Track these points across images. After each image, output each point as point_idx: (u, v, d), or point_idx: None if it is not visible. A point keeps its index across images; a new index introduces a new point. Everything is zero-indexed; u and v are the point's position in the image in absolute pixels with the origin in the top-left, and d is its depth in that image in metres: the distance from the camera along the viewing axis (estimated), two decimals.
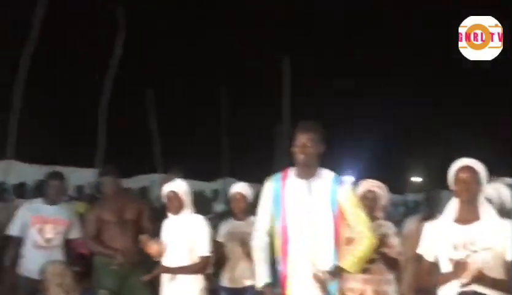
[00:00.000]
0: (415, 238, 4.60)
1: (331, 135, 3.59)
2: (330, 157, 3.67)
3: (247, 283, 4.55)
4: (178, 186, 4.27)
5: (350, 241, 4.12)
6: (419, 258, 3.46)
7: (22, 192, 9.21)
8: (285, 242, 3.33)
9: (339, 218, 3.35)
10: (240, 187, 4.80)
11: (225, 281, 4.69)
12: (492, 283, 3.07)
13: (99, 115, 13.34)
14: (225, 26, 18.34)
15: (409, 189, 18.17)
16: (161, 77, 16.81)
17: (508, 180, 4.23)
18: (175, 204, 4.19)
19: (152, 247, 4.22)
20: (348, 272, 3.33)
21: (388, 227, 4.29)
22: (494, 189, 3.54)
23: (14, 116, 11.41)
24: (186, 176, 5.60)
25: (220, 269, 4.73)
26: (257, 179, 5.02)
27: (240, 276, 4.58)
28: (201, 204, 5.54)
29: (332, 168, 3.49)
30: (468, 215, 3.24)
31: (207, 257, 4.19)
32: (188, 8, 18.69)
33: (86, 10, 15.43)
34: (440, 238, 3.29)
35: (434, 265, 3.34)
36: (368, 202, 4.29)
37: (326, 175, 3.41)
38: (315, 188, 3.36)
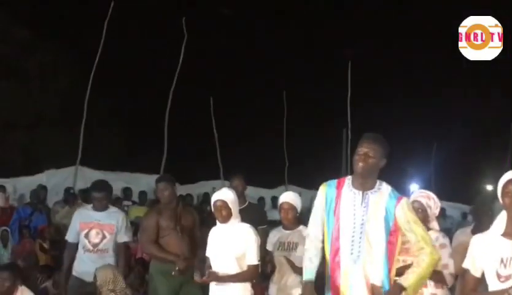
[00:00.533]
0: (466, 251, 4.46)
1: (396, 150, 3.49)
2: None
3: (295, 293, 4.53)
4: (226, 195, 4.31)
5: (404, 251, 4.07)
6: (465, 272, 3.33)
7: (87, 196, 9.59)
8: (336, 253, 3.28)
9: (394, 233, 3.27)
10: (288, 196, 4.79)
11: (273, 290, 4.70)
12: None
13: (164, 122, 13.65)
14: (287, 26, 18.26)
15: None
16: (222, 84, 17.06)
17: None
18: (223, 213, 4.24)
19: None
20: (407, 291, 3.19)
21: (436, 238, 4.13)
22: None
23: (82, 123, 11.86)
24: (247, 182, 5.66)
25: (269, 278, 4.74)
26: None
27: (288, 286, 4.57)
28: (256, 213, 5.54)
29: (396, 177, 3.42)
30: None
31: (256, 266, 4.22)
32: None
33: (151, 19, 15.93)
34: (487, 252, 3.18)
35: (480, 281, 3.21)
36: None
37: (383, 188, 3.34)
38: (371, 201, 3.28)
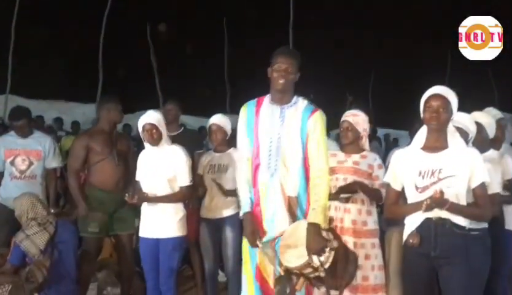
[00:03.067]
0: None
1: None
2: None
3: (226, 213, 4.58)
4: (154, 117, 4.21)
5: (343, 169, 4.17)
6: (387, 186, 3.43)
7: None
8: (256, 168, 3.31)
9: (307, 145, 3.29)
10: (216, 118, 4.73)
11: (204, 212, 4.72)
12: (457, 209, 3.07)
13: (99, 49, 13.17)
14: None
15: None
16: (160, 9, 16.45)
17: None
18: (154, 136, 4.16)
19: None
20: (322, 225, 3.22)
21: (373, 159, 4.23)
22: (462, 118, 3.45)
23: (9, 51, 11.30)
24: (187, 111, 5.54)
25: (200, 201, 4.74)
26: None
27: (219, 207, 4.60)
28: (191, 138, 5.49)
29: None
30: (436, 143, 3.21)
31: (188, 187, 4.20)
32: None
33: None
34: (407, 166, 3.26)
35: (401, 195, 3.33)
36: (343, 132, 4.25)
37: (300, 102, 3.35)
38: (287, 115, 3.30)
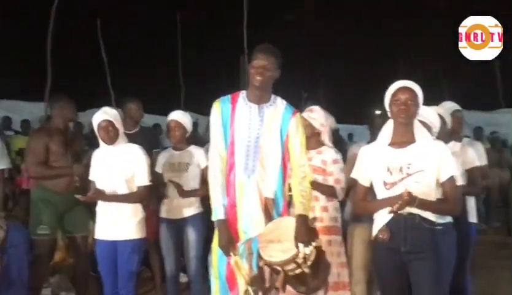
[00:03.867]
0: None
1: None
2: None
3: (187, 213, 4.44)
4: (111, 113, 4.04)
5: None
6: (355, 183, 3.38)
7: None
8: (231, 168, 3.20)
9: (287, 147, 3.24)
10: (175, 114, 4.57)
11: (164, 212, 4.55)
12: (426, 205, 3.05)
13: (47, 47, 12.73)
14: None
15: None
16: (110, 4, 16.01)
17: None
18: (110, 133, 3.97)
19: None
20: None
21: (328, 155, 4.18)
22: (426, 112, 3.44)
23: None
24: (144, 110, 5.39)
25: (160, 201, 4.59)
26: None
27: (180, 206, 4.44)
28: (148, 137, 5.34)
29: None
30: (403, 138, 3.18)
31: (146, 187, 4.03)
32: None
33: None
34: (374, 162, 3.22)
35: (369, 190, 3.29)
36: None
37: (278, 102, 3.28)
38: (266, 114, 3.22)
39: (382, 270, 3.26)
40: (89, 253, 4.70)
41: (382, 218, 3.16)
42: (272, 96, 3.27)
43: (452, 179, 3.11)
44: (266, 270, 3.13)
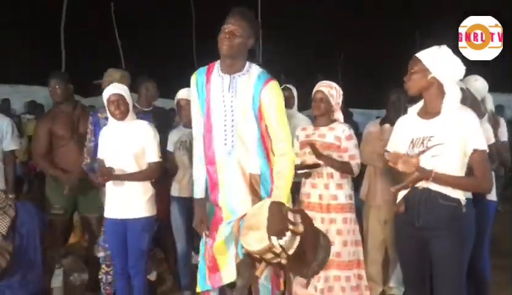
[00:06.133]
0: (375, 140, 4.48)
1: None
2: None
3: None
4: (121, 88, 3.94)
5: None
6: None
7: None
8: (209, 144, 3.00)
9: (261, 120, 2.95)
10: (184, 93, 4.49)
11: (175, 190, 4.49)
12: (443, 180, 2.91)
13: (60, 31, 12.76)
14: None
15: None
16: None
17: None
18: (121, 108, 3.86)
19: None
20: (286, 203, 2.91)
21: (341, 131, 4.09)
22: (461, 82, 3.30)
23: None
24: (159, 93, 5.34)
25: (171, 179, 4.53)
26: None
27: (191, 184, 4.33)
28: (162, 116, 5.27)
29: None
30: (430, 108, 3.02)
31: (156, 163, 3.94)
32: None
33: None
34: (403, 133, 3.09)
35: None
36: (316, 103, 4.11)
37: (253, 70, 2.97)
38: (239, 85, 2.94)
39: (402, 245, 3.17)
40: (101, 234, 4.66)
41: (403, 191, 3.05)
42: (247, 65, 2.98)
43: (480, 153, 2.91)
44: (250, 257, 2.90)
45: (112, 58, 14.33)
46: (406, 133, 3.08)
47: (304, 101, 5.50)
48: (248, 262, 2.90)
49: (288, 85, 5.46)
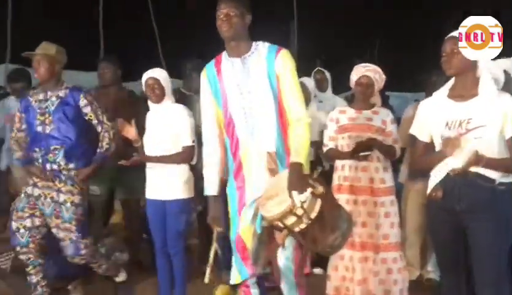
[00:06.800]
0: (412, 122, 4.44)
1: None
2: None
3: None
4: (158, 73, 4.05)
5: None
6: (414, 140, 3.22)
7: None
8: (232, 132, 3.01)
9: (280, 91, 2.95)
10: None
11: None
12: (493, 165, 2.84)
13: (99, 18, 12.96)
14: None
15: None
16: None
17: None
18: (156, 92, 3.98)
19: (129, 131, 4.04)
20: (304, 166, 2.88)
21: (385, 115, 4.09)
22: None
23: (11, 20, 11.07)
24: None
25: None
26: None
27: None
28: None
29: None
30: (464, 90, 2.96)
31: (190, 147, 4.01)
32: None
33: None
34: (433, 115, 3.02)
35: (430, 147, 3.09)
36: (363, 88, 4.08)
37: (260, 47, 2.99)
38: (251, 64, 2.96)
39: (437, 231, 3.11)
40: (141, 215, 4.75)
41: (436, 175, 2.99)
42: (254, 44, 2.99)
43: None
44: (270, 228, 2.85)
45: (148, 42, 14.50)
46: (437, 115, 3.01)
47: (342, 84, 5.47)
48: (265, 238, 2.87)
49: (320, 68, 5.43)
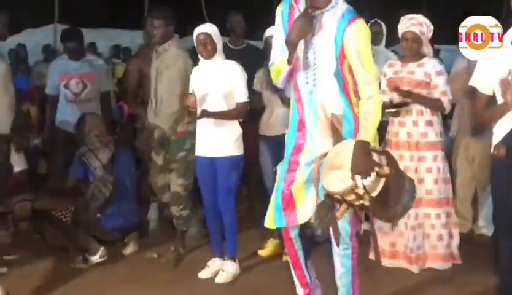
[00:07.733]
0: (466, 75, 4.32)
1: None
2: None
3: (285, 130, 4.38)
4: (210, 28, 4.00)
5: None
6: (473, 92, 3.08)
7: None
8: (295, 83, 2.90)
9: (341, 60, 2.77)
10: (272, 31, 4.44)
11: (263, 129, 4.54)
12: None
13: None
14: None
15: None
16: None
17: None
18: (208, 47, 3.93)
19: (190, 99, 3.99)
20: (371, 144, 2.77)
21: (431, 66, 3.98)
22: None
23: None
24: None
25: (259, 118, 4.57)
26: None
27: (278, 123, 4.35)
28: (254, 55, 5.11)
29: None
30: None
31: (244, 103, 4.01)
32: None
33: None
34: (496, 65, 2.85)
35: (492, 99, 2.94)
36: (408, 44, 4.00)
37: (339, 6, 2.77)
38: (324, 22, 2.76)
39: (498, 189, 2.96)
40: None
41: (500, 131, 2.87)
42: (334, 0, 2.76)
43: None
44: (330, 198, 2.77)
45: (193, 8, 14.46)
46: (499, 64, 2.85)
47: (390, 37, 5.35)
48: (329, 204, 2.77)
49: (378, 20, 5.30)
